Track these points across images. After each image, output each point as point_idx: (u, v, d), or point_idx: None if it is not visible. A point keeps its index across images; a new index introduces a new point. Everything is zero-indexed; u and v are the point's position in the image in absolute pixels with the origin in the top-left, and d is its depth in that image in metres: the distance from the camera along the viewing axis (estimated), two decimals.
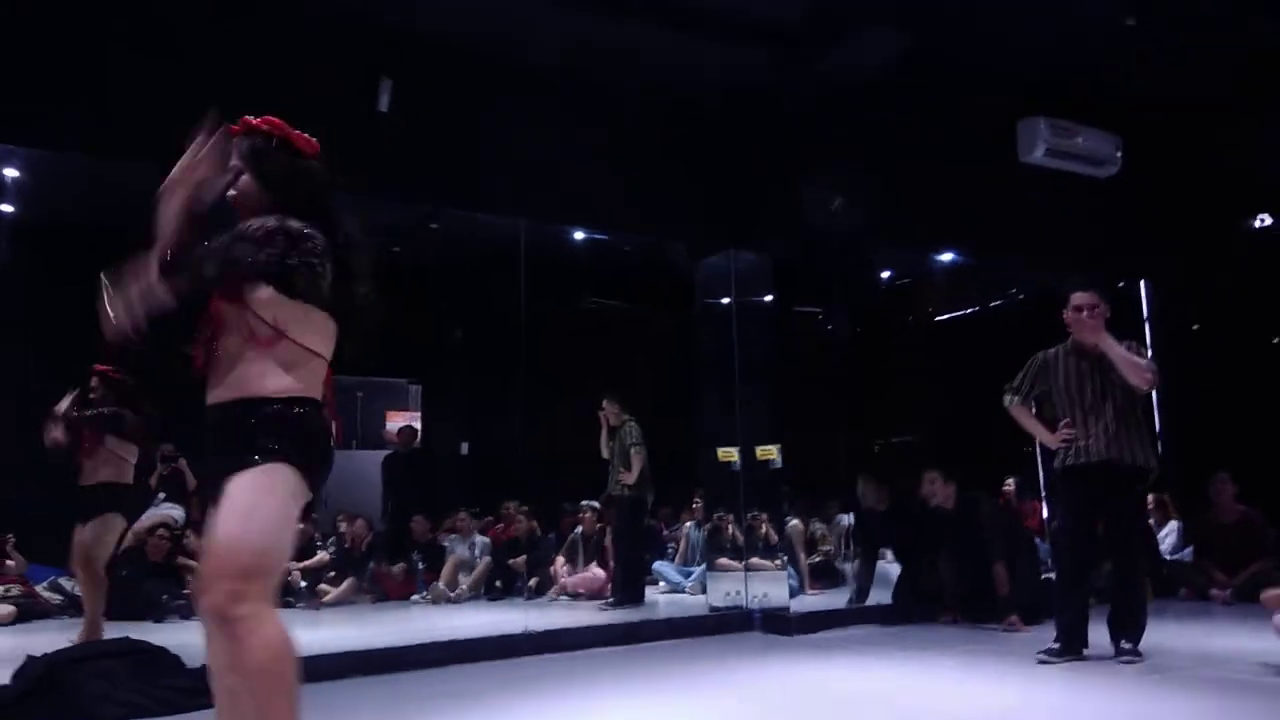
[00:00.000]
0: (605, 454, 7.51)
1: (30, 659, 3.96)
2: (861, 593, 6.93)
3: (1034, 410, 4.96)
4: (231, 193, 2.47)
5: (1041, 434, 4.89)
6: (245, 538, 2.10)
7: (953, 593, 6.35)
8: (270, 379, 2.29)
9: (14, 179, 7.32)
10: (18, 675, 3.90)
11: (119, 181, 6.58)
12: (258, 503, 2.15)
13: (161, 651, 4.18)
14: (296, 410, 2.27)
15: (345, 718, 3.94)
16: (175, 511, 8.06)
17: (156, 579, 7.13)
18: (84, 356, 5.34)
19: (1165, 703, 3.76)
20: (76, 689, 3.71)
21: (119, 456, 5.33)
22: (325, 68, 5.39)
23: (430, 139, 5.74)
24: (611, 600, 7.24)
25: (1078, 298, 4.68)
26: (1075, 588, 4.72)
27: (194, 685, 3.99)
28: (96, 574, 5.11)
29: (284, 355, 2.31)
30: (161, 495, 8.27)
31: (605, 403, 7.51)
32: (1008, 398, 4.92)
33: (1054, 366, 4.80)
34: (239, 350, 2.31)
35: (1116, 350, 4.56)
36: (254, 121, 2.49)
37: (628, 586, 7.28)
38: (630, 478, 7.26)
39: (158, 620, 6.65)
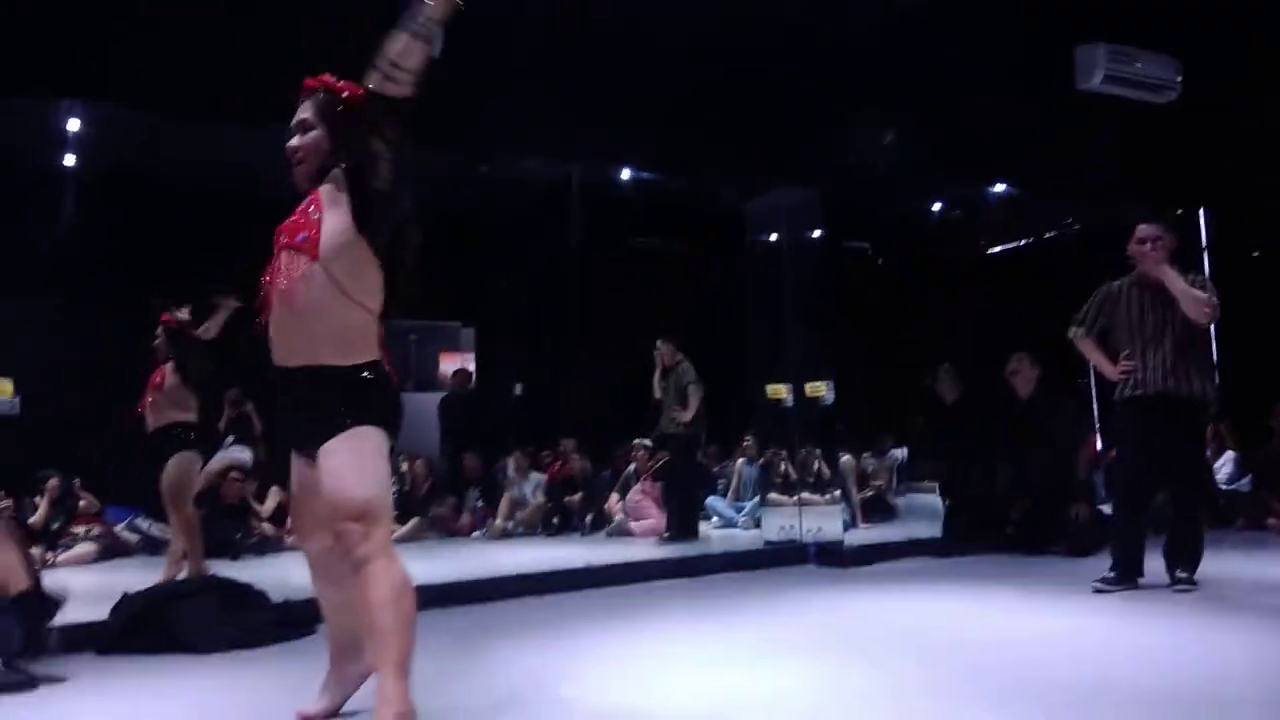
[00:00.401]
0: (658, 394, 7.61)
1: (126, 596, 4.19)
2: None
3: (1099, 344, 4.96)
4: (295, 143, 2.59)
5: (1104, 366, 4.89)
6: (358, 488, 2.42)
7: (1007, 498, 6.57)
8: (342, 346, 2.51)
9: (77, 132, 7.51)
10: (116, 611, 4.15)
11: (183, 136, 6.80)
12: (358, 460, 2.46)
13: (248, 588, 4.40)
14: (366, 376, 2.53)
15: (427, 645, 4.13)
16: (244, 454, 8.33)
17: (230, 519, 7.44)
18: (144, 306, 5.60)
19: (1219, 631, 3.83)
20: (173, 623, 3.95)
21: (179, 400, 5.53)
22: (374, 16, 5.43)
23: (478, 84, 5.77)
24: (668, 535, 7.41)
25: (1142, 230, 4.69)
26: (1133, 517, 4.79)
27: (280, 618, 4.26)
28: (184, 513, 5.34)
29: (352, 318, 2.47)
30: (230, 439, 8.56)
31: (660, 343, 7.60)
32: (1073, 330, 4.96)
33: (1118, 298, 4.82)
34: (309, 307, 2.46)
35: (1177, 284, 4.55)
36: (328, 81, 2.59)
37: (684, 522, 7.44)
38: (687, 415, 7.38)
39: (234, 558, 6.95)
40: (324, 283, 2.45)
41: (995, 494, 6.70)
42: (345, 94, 2.55)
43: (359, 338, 2.53)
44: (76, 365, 8.07)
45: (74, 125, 7.39)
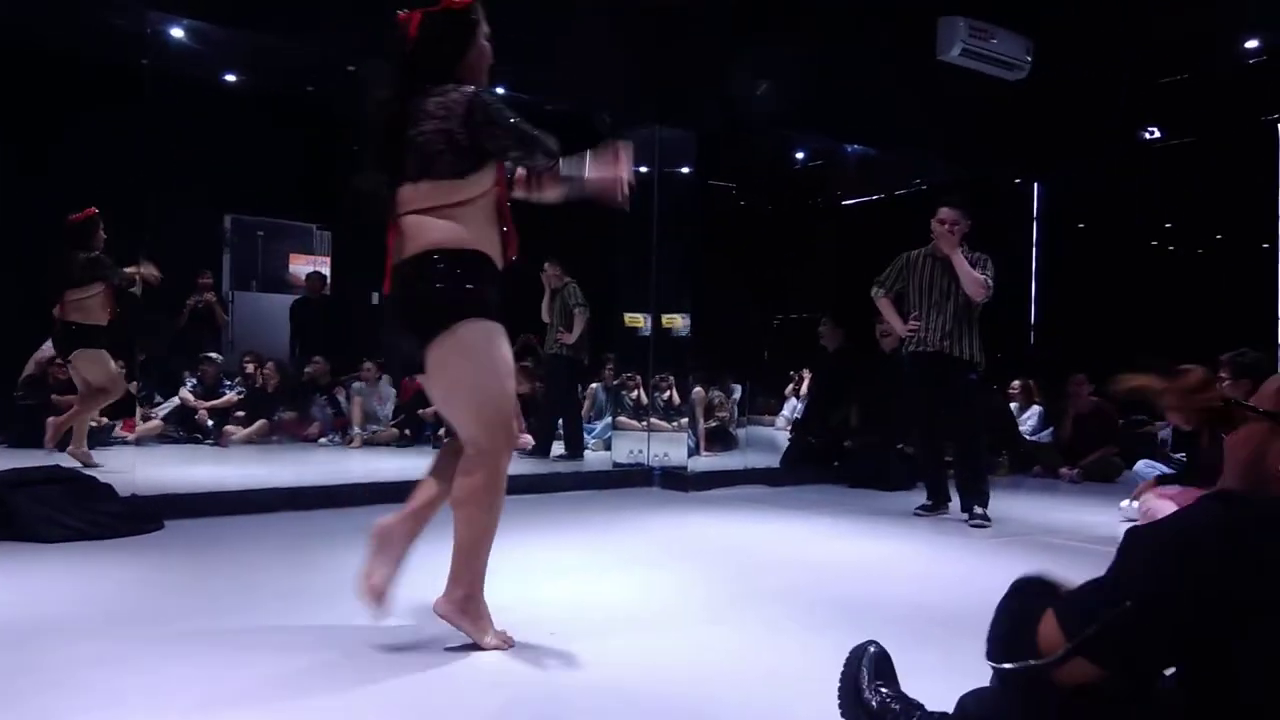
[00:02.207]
0: (545, 316, 7.66)
1: None
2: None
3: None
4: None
5: (896, 323, 5.60)
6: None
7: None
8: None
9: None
10: None
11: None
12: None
13: (94, 480, 4.36)
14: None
15: (280, 546, 4.24)
16: None
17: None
18: None
19: (1006, 563, 4.36)
20: (18, 511, 3.89)
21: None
22: None
23: None
24: (565, 454, 7.59)
25: (943, 213, 5.32)
26: (930, 450, 5.65)
27: (127, 511, 4.24)
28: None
29: None
30: None
31: (546, 265, 7.60)
32: (874, 289, 5.62)
33: (915, 265, 5.47)
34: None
35: (963, 266, 5.23)
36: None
37: (573, 441, 7.65)
38: (570, 338, 7.49)
39: (61, 448, 6.74)
40: None
41: (837, 433, 7.32)
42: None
43: None
44: None
45: None
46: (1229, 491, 1.20)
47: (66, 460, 5.58)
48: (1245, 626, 1.06)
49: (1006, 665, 1.28)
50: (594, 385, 9.02)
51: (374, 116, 2.68)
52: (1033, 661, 1.22)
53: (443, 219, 2.60)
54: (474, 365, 2.60)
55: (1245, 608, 1.07)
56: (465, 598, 2.68)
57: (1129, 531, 1.23)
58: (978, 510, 5.26)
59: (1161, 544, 1.16)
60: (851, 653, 1.81)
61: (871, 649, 1.79)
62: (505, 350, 2.64)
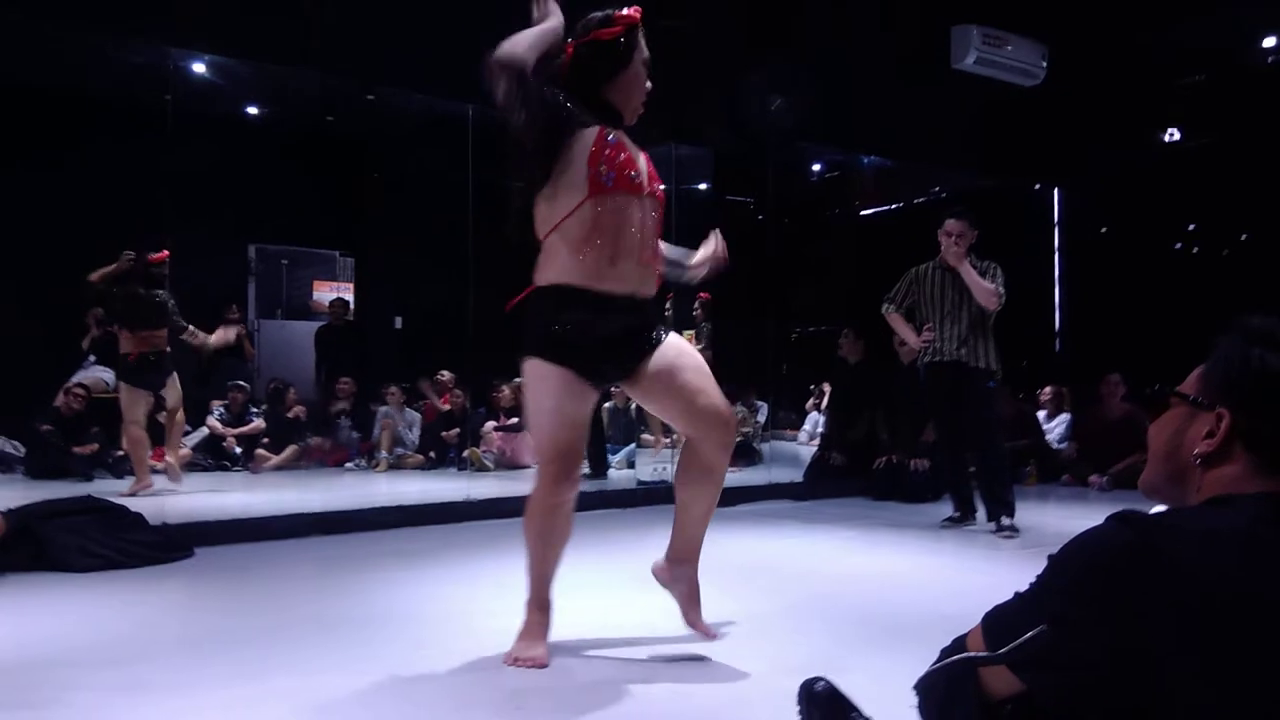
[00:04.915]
0: None
1: (2, 512, 4.15)
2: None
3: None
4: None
5: (910, 337, 5.59)
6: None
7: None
8: None
9: None
10: None
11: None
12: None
13: (125, 509, 4.41)
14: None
15: (310, 571, 4.28)
16: (106, 374, 8.13)
17: (69, 436, 7.33)
18: None
19: (1033, 573, 4.29)
20: (50, 541, 3.95)
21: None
22: None
23: (375, 14, 5.72)
24: (588, 473, 7.57)
25: (949, 225, 5.29)
26: (954, 461, 5.59)
27: (158, 540, 4.30)
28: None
29: None
30: (92, 358, 8.32)
31: None
32: (885, 306, 5.61)
33: (923, 279, 5.47)
34: None
35: (972, 276, 5.21)
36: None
37: (596, 460, 7.65)
38: None
39: (87, 478, 6.93)
40: None
41: (860, 447, 7.28)
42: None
43: None
44: None
45: None
46: (1129, 514, 1.11)
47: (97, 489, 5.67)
48: (1156, 673, 0.99)
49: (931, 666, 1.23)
50: (607, 405, 9.01)
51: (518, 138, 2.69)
52: (955, 656, 1.18)
53: (542, 251, 2.71)
54: (530, 403, 2.75)
55: (1138, 648, 1.00)
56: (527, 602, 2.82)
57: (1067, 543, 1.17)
58: (1005, 521, 5.20)
59: (1065, 563, 1.12)
60: (799, 693, 1.71)
61: (818, 686, 1.68)
62: (552, 390, 2.64)
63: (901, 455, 6.89)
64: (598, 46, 2.73)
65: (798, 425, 10.95)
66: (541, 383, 2.66)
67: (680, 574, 3.03)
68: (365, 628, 3.15)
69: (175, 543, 4.41)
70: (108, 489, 6.07)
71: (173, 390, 6.58)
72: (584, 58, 2.73)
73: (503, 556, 4.18)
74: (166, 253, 6.60)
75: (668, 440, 7.65)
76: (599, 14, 2.75)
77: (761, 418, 9.04)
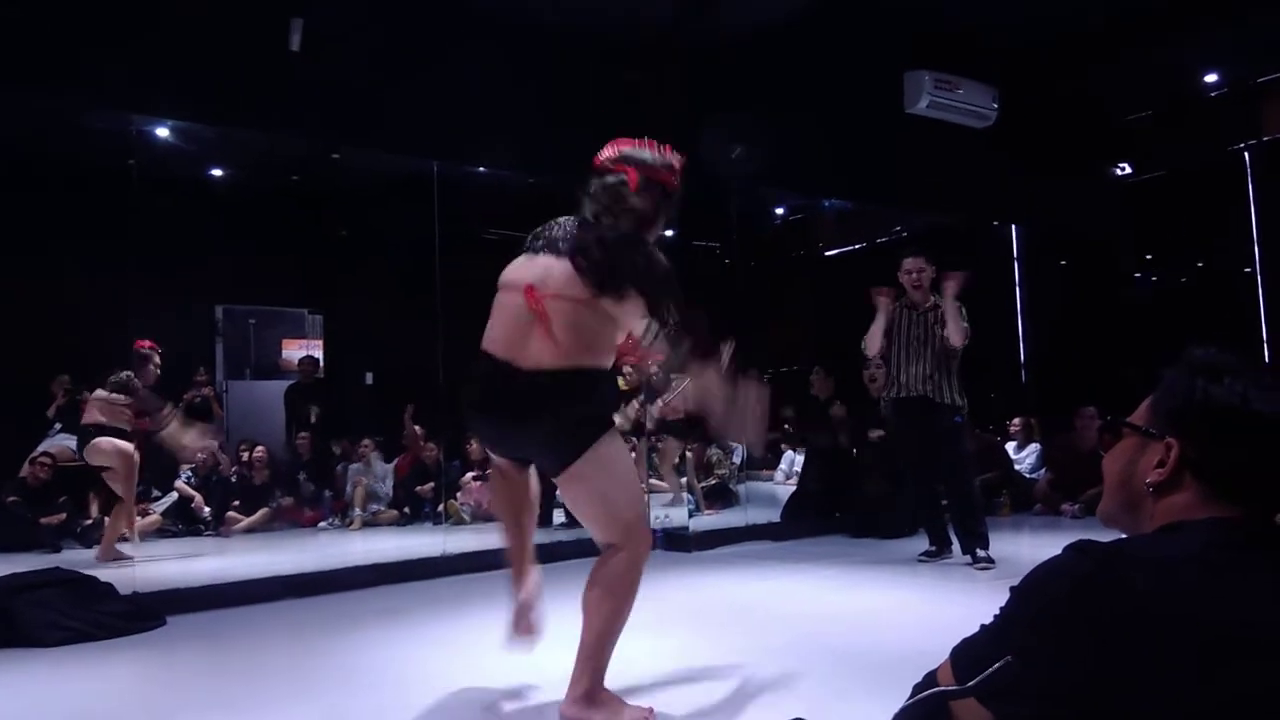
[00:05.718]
0: None
1: None
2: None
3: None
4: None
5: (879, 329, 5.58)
6: None
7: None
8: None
9: None
10: None
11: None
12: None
13: (95, 580, 4.33)
14: None
15: (286, 635, 4.21)
16: (70, 442, 8.01)
17: (34, 505, 7.21)
18: None
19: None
20: (19, 616, 3.87)
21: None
22: (236, 5, 5.38)
23: (337, 76, 5.78)
24: (565, 522, 7.50)
25: (907, 264, 5.51)
26: (927, 494, 5.65)
27: (131, 610, 4.22)
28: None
29: None
30: (58, 426, 8.20)
31: None
32: (864, 343, 5.68)
33: (892, 316, 5.56)
34: None
35: (957, 319, 5.32)
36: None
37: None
38: None
39: (55, 550, 6.79)
40: None
41: (833, 484, 7.33)
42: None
43: None
44: None
45: None
46: (1086, 544, 1.12)
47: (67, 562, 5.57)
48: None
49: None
50: None
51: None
52: (926, 692, 1.18)
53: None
54: (611, 471, 2.76)
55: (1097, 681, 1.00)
56: (586, 694, 2.65)
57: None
58: (980, 553, 5.25)
59: (1026, 594, 1.13)
60: None
61: None
62: (628, 455, 2.84)
63: (874, 491, 6.93)
64: (665, 193, 2.84)
65: (774, 465, 10.97)
66: (622, 449, 2.75)
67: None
68: (344, 691, 3.10)
69: (147, 612, 4.34)
70: (76, 559, 5.98)
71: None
72: (647, 199, 2.80)
73: (483, 611, 4.16)
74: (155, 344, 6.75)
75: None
76: (663, 158, 2.84)
77: (737, 459, 9.04)
